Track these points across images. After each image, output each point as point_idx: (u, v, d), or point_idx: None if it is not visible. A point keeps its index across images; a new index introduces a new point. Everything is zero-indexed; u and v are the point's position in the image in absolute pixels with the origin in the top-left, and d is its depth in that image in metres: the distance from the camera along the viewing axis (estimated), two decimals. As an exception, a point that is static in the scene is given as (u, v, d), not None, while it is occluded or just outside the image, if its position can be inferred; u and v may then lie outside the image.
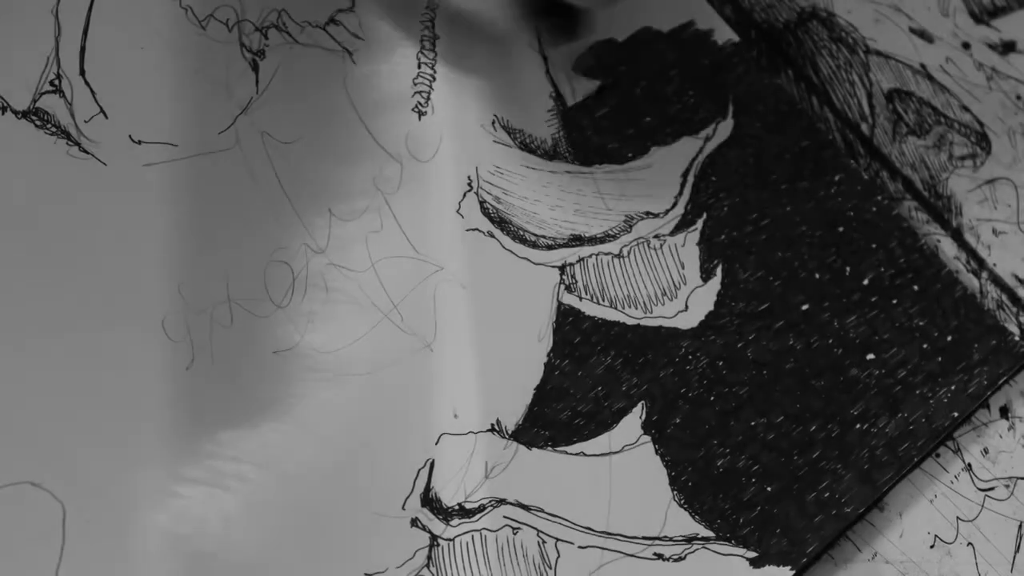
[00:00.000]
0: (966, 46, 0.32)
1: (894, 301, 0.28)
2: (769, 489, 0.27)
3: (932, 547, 0.27)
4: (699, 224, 0.29)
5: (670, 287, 0.29)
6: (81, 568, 0.24)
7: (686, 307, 0.28)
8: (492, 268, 0.28)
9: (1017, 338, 0.29)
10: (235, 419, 0.25)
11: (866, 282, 0.29)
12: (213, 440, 0.25)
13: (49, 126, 0.27)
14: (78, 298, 0.25)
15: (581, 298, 0.28)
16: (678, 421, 0.27)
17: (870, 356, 0.28)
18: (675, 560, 0.26)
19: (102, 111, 0.27)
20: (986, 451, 0.28)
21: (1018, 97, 0.32)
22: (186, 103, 0.27)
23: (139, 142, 0.27)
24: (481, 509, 0.26)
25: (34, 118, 0.26)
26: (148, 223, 0.26)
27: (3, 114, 0.26)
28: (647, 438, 0.27)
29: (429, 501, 0.26)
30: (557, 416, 0.27)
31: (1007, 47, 0.32)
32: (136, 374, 0.25)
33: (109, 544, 0.24)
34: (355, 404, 0.26)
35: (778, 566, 0.26)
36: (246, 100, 0.28)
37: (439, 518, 0.26)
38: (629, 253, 0.29)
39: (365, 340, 0.27)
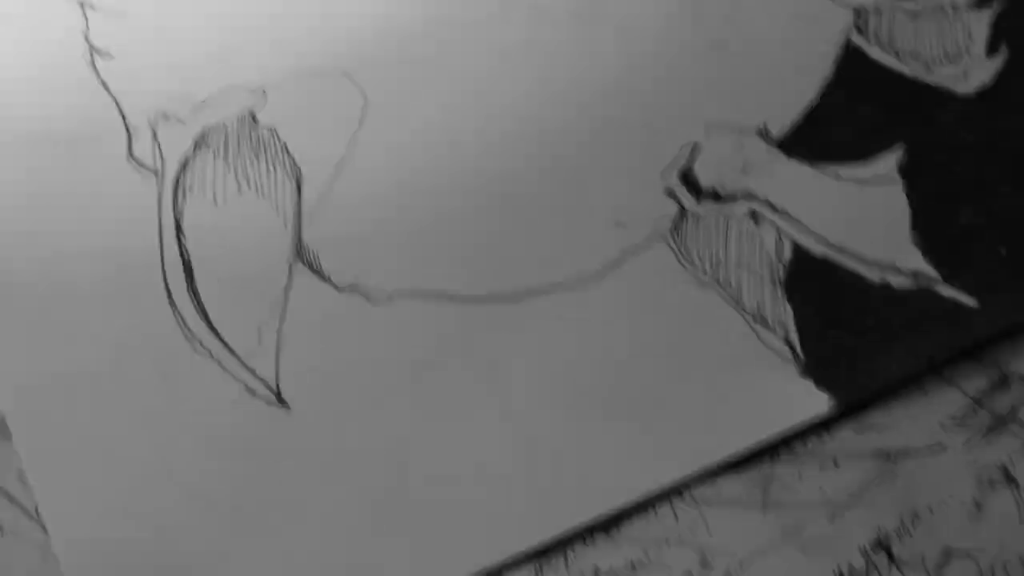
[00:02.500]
0: None
1: None
2: (1005, 253, 0.28)
3: None
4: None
5: (955, 53, 0.30)
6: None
7: (964, 76, 0.29)
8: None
9: None
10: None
11: None
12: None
13: None
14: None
15: (870, 42, 0.30)
16: (933, 172, 0.28)
17: None
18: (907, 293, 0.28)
19: None
20: None
21: None
22: None
23: None
24: (732, 198, 0.29)
25: None
26: None
27: None
28: (899, 180, 0.29)
29: (687, 178, 0.29)
30: (820, 136, 0.29)
31: None
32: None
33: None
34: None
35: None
36: None
37: (692, 195, 0.29)
38: (922, 11, 0.30)
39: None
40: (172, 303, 0.29)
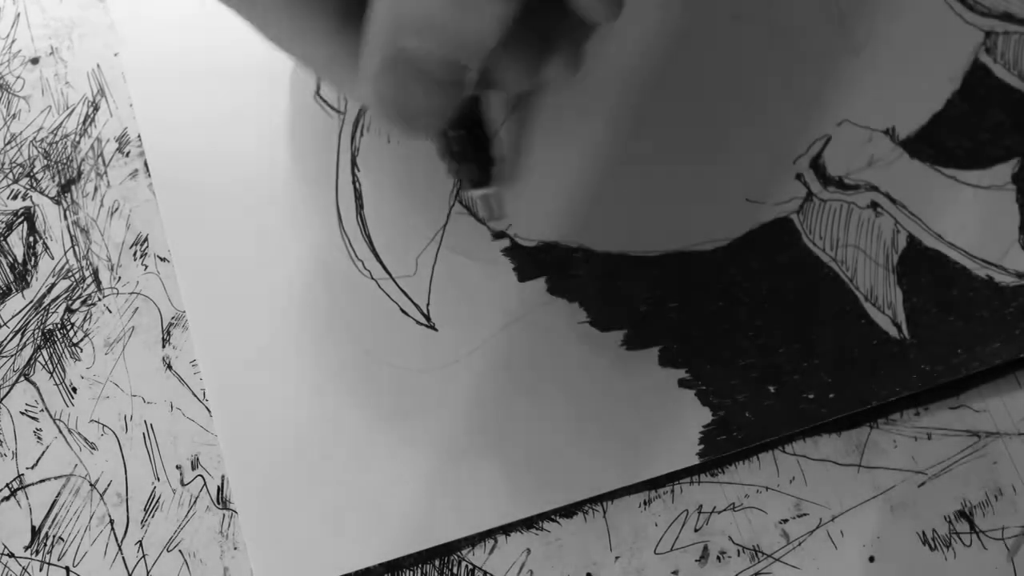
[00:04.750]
0: None
1: None
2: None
3: None
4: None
5: (1076, 81, 0.32)
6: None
7: (1083, 103, 0.32)
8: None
9: None
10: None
11: None
12: None
13: None
14: None
15: (996, 61, 0.32)
16: (1045, 185, 0.31)
17: None
18: (1011, 289, 0.30)
19: None
20: None
21: None
22: None
23: None
24: (856, 187, 0.31)
25: None
26: None
27: None
28: (1012, 187, 0.31)
29: (816, 166, 0.32)
30: (943, 142, 0.31)
31: None
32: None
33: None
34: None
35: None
36: None
37: (820, 181, 0.31)
38: (1050, 42, 0.32)
39: None
40: (342, 227, 0.32)
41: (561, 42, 0.27)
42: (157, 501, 0.30)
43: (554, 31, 0.27)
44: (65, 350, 0.31)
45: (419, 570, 0.29)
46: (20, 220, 0.33)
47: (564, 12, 0.26)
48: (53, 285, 0.32)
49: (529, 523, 0.29)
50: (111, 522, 0.30)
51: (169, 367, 0.31)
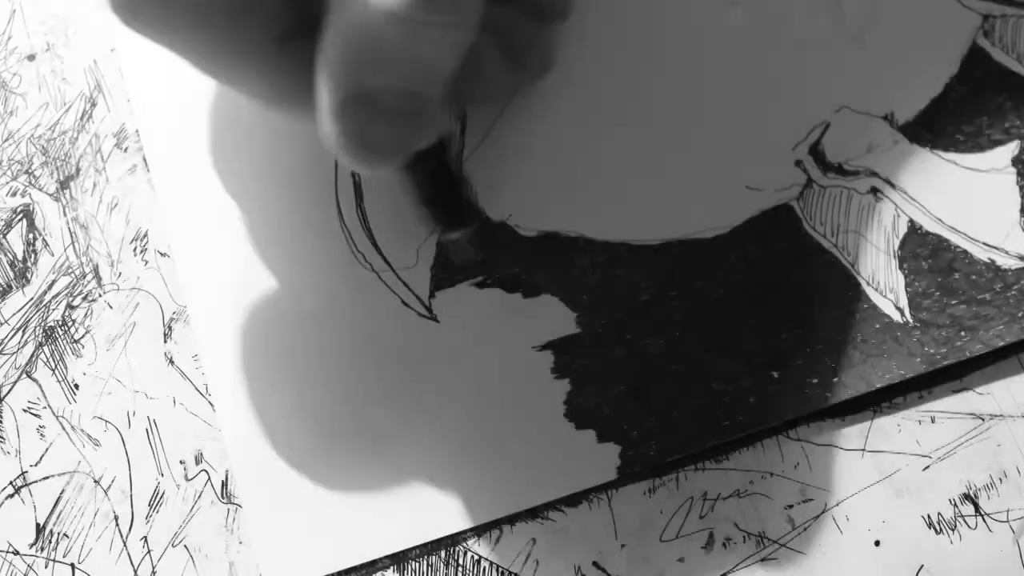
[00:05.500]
0: None
1: None
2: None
3: None
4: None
5: (1075, 64, 0.32)
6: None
7: (1082, 86, 0.32)
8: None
9: None
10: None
11: None
12: None
13: None
14: None
15: (994, 44, 0.32)
16: (1044, 167, 0.31)
17: None
18: (1012, 272, 0.30)
19: None
20: None
21: None
22: None
23: None
24: (856, 173, 0.31)
25: None
26: None
27: None
28: (1012, 170, 0.31)
29: (816, 152, 0.31)
30: (942, 126, 0.31)
31: None
32: None
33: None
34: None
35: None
36: None
37: (819, 168, 0.31)
38: (1047, 24, 0.32)
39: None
40: (342, 219, 0.32)
41: (525, 50, 0.27)
42: (161, 496, 0.30)
43: (515, 41, 0.27)
44: (67, 347, 0.31)
45: (424, 561, 0.29)
46: (19, 217, 0.33)
47: (519, 22, 0.26)
48: (54, 282, 0.32)
49: (534, 513, 0.29)
50: (116, 518, 0.30)
51: (171, 362, 0.31)
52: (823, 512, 0.29)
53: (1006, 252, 0.30)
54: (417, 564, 0.29)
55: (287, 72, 0.22)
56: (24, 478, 0.30)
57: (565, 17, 0.29)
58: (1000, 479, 0.29)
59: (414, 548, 0.29)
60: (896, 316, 0.30)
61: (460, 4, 0.20)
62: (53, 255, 0.32)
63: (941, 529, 0.29)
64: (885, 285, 0.30)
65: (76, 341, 0.31)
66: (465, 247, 0.30)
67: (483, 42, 0.26)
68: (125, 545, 0.30)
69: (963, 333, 0.30)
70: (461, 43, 0.20)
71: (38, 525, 0.30)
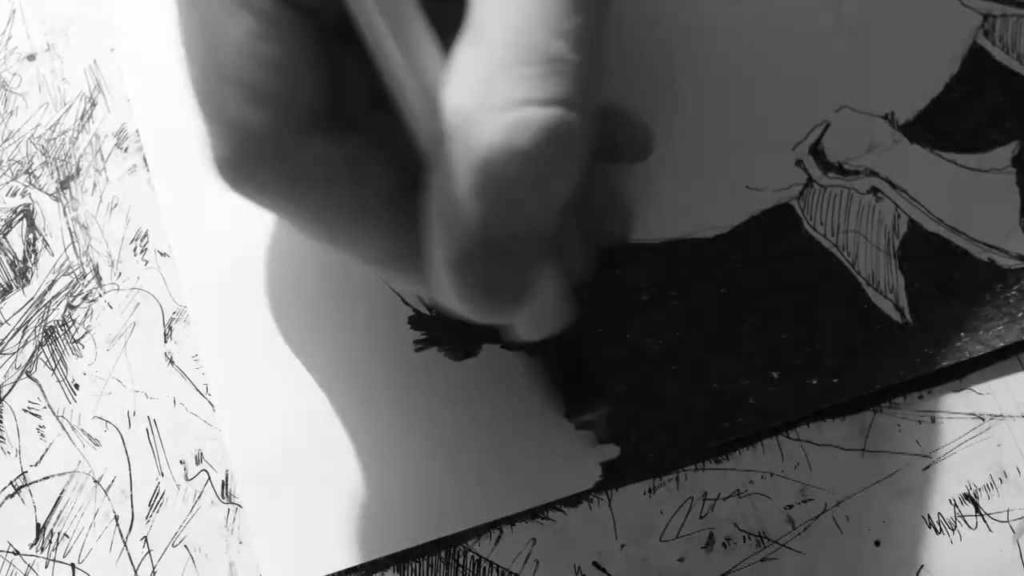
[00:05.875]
0: None
1: None
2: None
3: None
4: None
5: (1075, 64, 0.32)
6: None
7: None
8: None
9: None
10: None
11: None
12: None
13: None
14: None
15: (994, 44, 0.32)
16: (1044, 167, 0.31)
17: None
18: (1012, 272, 0.30)
19: None
20: None
21: None
22: None
23: None
24: (856, 173, 0.31)
25: None
26: None
27: None
28: (1012, 170, 0.31)
29: (816, 152, 0.31)
30: (942, 126, 0.31)
31: None
32: None
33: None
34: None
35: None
36: None
37: (820, 167, 0.31)
38: (1047, 24, 0.32)
39: None
40: (342, 219, 0.32)
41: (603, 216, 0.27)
42: (161, 496, 0.30)
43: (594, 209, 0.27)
44: (67, 347, 0.31)
45: (425, 562, 0.29)
46: (19, 217, 0.33)
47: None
48: (54, 282, 0.32)
49: (534, 513, 0.29)
50: (116, 518, 0.30)
51: (171, 362, 0.31)
52: (823, 512, 0.29)
53: (1006, 252, 0.30)
54: (417, 564, 0.29)
55: (400, 233, 0.22)
56: (24, 478, 0.30)
57: (645, 156, 0.28)
58: (1000, 479, 0.29)
59: (414, 548, 0.29)
60: (896, 316, 0.30)
61: (576, 139, 0.19)
62: (53, 255, 0.32)
63: (941, 529, 0.29)
64: (885, 285, 0.30)
65: (76, 341, 0.31)
66: (600, 427, 0.29)
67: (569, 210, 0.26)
68: (125, 545, 0.30)
69: (963, 333, 0.30)
70: (576, 175, 0.19)
71: (38, 525, 0.30)
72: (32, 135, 0.33)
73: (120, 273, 0.32)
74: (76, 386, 0.31)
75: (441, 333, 0.30)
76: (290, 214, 0.22)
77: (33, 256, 0.32)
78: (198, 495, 0.30)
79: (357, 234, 0.22)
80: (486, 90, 0.18)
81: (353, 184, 0.21)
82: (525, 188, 0.18)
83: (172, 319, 0.31)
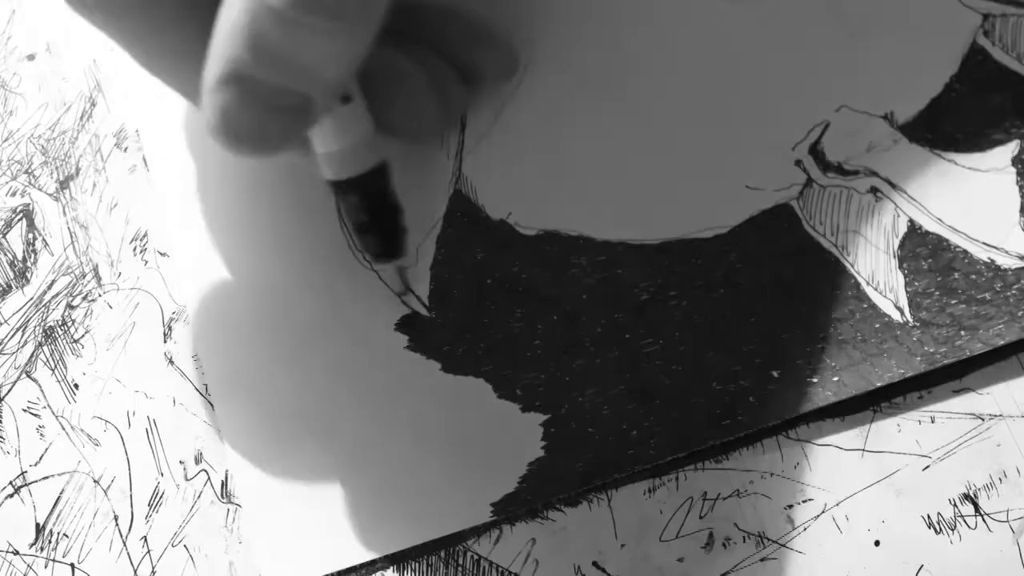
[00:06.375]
0: None
1: None
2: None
3: None
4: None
5: (1074, 63, 0.32)
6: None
7: (1081, 86, 0.32)
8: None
9: None
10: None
11: None
12: None
13: None
14: None
15: (994, 44, 0.32)
16: (1044, 167, 0.31)
17: None
18: (1012, 271, 0.30)
19: None
20: None
21: None
22: None
23: None
24: (855, 173, 0.31)
25: None
26: None
27: None
28: (1012, 170, 0.31)
29: (815, 152, 0.31)
30: (941, 126, 0.31)
31: None
32: None
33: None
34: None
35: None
36: None
37: (819, 167, 0.31)
38: (1047, 24, 0.32)
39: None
40: (341, 220, 0.32)
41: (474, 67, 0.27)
42: (161, 496, 0.30)
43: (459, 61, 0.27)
44: (66, 346, 0.31)
45: (424, 562, 0.29)
46: (19, 217, 0.33)
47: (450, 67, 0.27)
48: (53, 282, 0.32)
49: (534, 513, 0.29)
50: (115, 518, 0.30)
51: (171, 362, 0.31)
52: (823, 512, 0.29)
53: (1006, 252, 0.30)
54: (417, 564, 0.29)
55: (188, 42, 0.22)
56: (24, 478, 0.30)
57: (509, 77, 0.29)
58: (1000, 479, 0.29)
59: (413, 548, 0.29)
60: (896, 316, 0.30)
61: (344, 12, 0.19)
62: (53, 255, 0.32)
63: (941, 529, 0.29)
64: (885, 285, 0.30)
65: (76, 341, 0.31)
66: (393, 277, 0.30)
67: (409, 68, 0.27)
68: (125, 545, 0.30)
69: (963, 332, 0.29)
70: (348, 53, 0.20)
71: (38, 525, 0.30)
72: (32, 135, 0.33)
73: (120, 273, 0.32)
74: (76, 386, 0.31)
75: (434, 333, 0.30)
76: (113, 33, 0.23)
77: (33, 256, 0.32)
78: (197, 495, 0.30)
79: (162, 53, 0.23)
80: None
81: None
82: (278, 46, 0.19)
83: (172, 319, 0.31)
